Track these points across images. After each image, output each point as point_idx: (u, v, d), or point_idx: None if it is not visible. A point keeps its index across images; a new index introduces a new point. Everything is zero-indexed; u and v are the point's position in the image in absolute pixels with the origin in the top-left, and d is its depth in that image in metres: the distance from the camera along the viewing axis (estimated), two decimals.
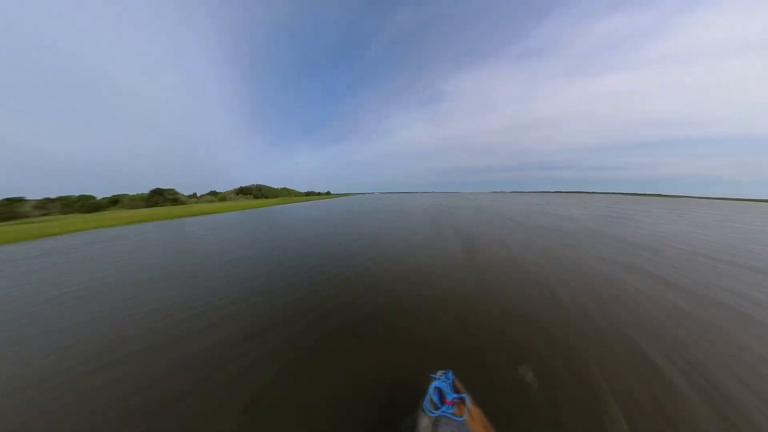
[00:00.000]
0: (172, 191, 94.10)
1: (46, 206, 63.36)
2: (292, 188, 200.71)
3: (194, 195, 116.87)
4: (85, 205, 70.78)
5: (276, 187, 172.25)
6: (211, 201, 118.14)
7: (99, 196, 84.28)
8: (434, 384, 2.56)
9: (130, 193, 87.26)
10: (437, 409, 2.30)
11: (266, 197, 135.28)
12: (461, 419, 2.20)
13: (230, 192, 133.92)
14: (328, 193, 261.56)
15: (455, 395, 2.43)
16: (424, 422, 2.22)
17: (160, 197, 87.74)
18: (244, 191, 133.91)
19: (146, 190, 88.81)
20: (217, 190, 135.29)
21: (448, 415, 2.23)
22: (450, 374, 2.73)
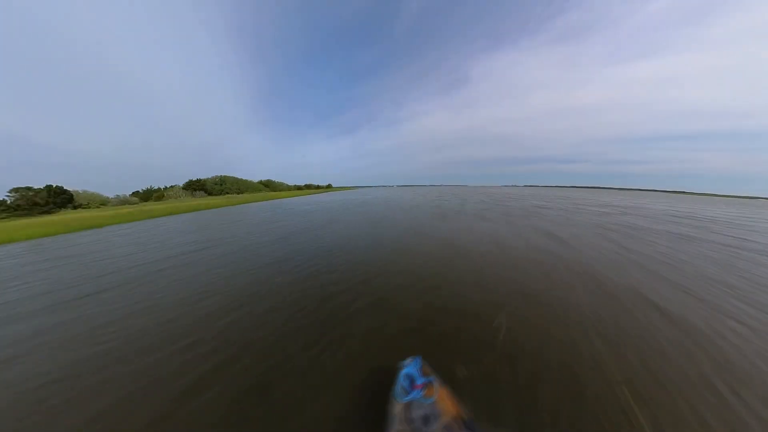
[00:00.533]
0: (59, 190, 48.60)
1: None
2: (281, 181, 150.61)
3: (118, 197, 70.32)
4: None
5: (255, 180, 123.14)
6: (122, 204, 69.09)
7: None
8: (404, 371, 2.66)
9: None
10: (407, 394, 2.40)
11: (226, 193, 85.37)
12: (431, 400, 2.30)
13: (172, 189, 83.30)
14: (328, 186, 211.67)
15: (424, 379, 2.52)
16: (397, 409, 2.32)
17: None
18: (194, 186, 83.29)
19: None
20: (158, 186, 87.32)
21: (419, 398, 2.33)
22: (418, 360, 2.81)
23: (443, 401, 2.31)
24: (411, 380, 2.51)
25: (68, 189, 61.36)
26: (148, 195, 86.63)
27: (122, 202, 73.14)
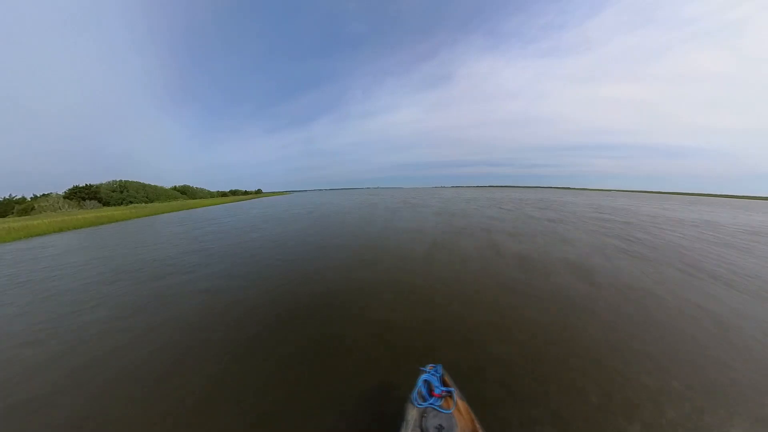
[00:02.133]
0: None
1: None
2: (201, 187, 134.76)
3: None
4: None
5: (172, 186, 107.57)
6: None
7: None
8: (423, 377, 2.67)
9: None
10: (425, 401, 2.41)
11: (130, 202, 73.89)
12: (448, 411, 2.28)
13: (46, 199, 67.90)
14: (258, 192, 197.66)
15: (443, 388, 2.54)
16: (412, 413, 2.32)
17: None
18: (81, 194, 69.63)
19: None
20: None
21: (435, 407, 2.34)
22: (439, 368, 2.82)
23: (461, 415, 2.30)
24: (430, 387, 2.52)
25: None
26: (5, 208, 67.81)
27: None
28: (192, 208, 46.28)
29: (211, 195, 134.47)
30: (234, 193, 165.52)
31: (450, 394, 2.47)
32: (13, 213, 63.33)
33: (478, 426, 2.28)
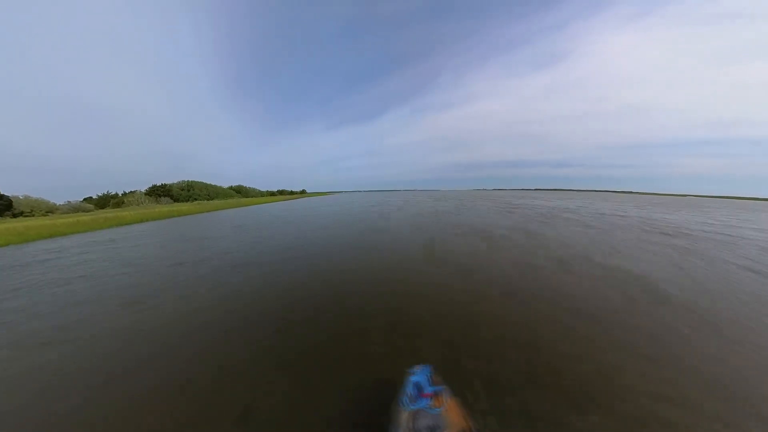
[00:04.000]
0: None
1: None
2: (253, 186, 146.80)
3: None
4: None
5: (228, 185, 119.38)
6: (75, 211, 64.67)
7: None
8: (412, 378, 2.65)
9: None
10: (414, 403, 2.37)
11: (195, 199, 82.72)
12: (438, 411, 2.27)
13: (132, 195, 79.05)
14: (302, 192, 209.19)
15: (433, 388, 2.50)
16: (402, 416, 2.30)
17: None
18: (158, 191, 79.51)
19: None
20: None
21: (425, 408, 2.31)
22: (427, 368, 2.79)
23: (451, 413, 2.30)
24: (419, 388, 2.50)
25: (5, 194, 56.27)
26: (104, 201, 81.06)
27: (74, 209, 67.88)
28: (245, 205, 50.01)
29: (261, 194, 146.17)
30: (281, 192, 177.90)
31: (440, 393, 2.47)
32: (109, 206, 75.51)
33: (470, 422, 2.33)
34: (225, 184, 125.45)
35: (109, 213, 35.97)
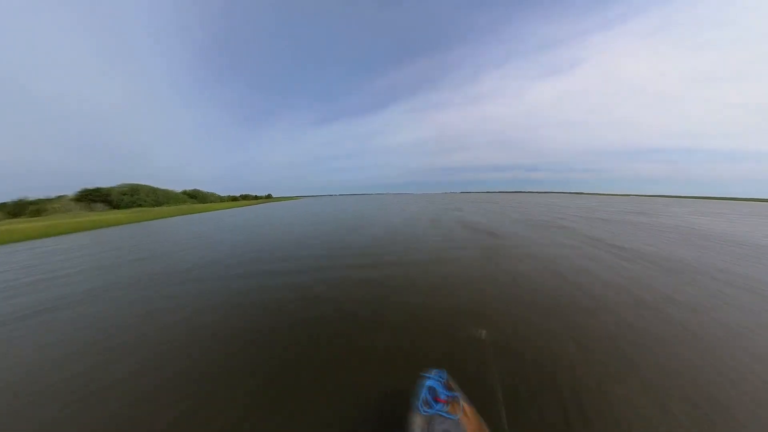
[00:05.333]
0: None
1: None
2: (212, 191, 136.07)
3: None
4: None
5: (177, 191, 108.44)
6: None
7: None
8: (427, 383, 2.59)
9: None
10: (431, 408, 2.31)
11: (139, 205, 73.99)
12: (455, 417, 2.21)
13: (58, 201, 69.11)
14: (268, 197, 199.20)
15: (449, 393, 2.44)
16: (418, 421, 2.24)
17: None
18: (91, 196, 70.15)
19: None
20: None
21: (442, 413, 2.24)
22: (443, 373, 2.75)
23: (468, 420, 2.25)
24: (434, 393, 2.45)
25: None
26: (19, 209, 68.57)
27: None
28: (198, 212, 44.81)
29: (221, 199, 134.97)
30: (244, 197, 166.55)
31: (456, 400, 2.38)
32: (26, 214, 63.84)
33: (486, 429, 2.27)
34: (188, 187, 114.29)
35: (14, 225, 29.41)
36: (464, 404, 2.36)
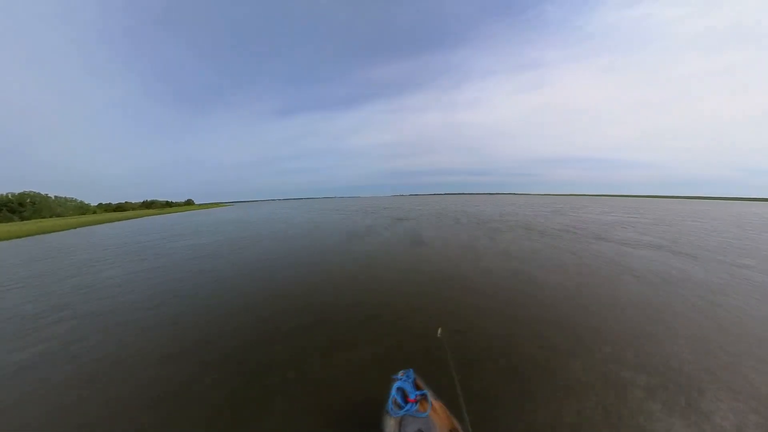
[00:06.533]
0: None
1: None
2: (73, 196, 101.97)
3: None
4: None
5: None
6: None
7: None
8: (396, 385, 2.66)
9: None
10: (401, 408, 2.42)
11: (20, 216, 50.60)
12: (425, 415, 2.34)
13: None
14: (188, 203, 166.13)
15: (417, 392, 2.57)
16: (390, 423, 2.33)
17: None
18: None
19: None
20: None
21: (412, 413, 2.36)
22: (411, 372, 2.85)
23: (438, 415, 2.41)
24: (404, 394, 2.55)
25: None
26: None
27: None
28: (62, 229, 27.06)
29: (91, 210, 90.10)
30: (149, 205, 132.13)
31: (425, 397, 2.47)
32: None
33: (455, 423, 2.36)
34: (67, 193, 79.21)
35: None
36: (432, 400, 2.50)
